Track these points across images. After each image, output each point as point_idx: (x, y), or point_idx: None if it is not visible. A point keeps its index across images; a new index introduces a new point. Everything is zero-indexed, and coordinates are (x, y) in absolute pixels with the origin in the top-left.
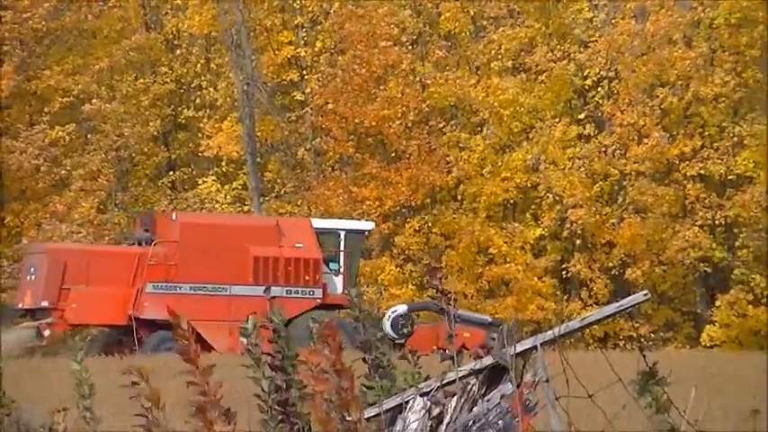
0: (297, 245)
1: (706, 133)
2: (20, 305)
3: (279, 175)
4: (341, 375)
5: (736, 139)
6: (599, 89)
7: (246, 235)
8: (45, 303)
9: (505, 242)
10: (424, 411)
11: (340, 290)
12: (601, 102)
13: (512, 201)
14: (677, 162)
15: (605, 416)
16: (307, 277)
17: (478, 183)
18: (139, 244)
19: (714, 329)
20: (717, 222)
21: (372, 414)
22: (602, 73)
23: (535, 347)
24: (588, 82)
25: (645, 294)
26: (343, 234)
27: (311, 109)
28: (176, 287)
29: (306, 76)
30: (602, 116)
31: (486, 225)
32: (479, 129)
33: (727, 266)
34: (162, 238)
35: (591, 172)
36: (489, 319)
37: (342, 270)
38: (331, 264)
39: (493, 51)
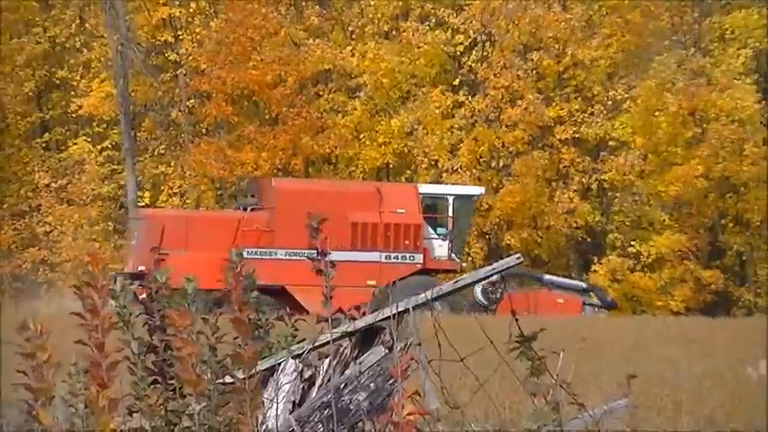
0: (398, 210)
1: (582, 97)
2: (125, 270)
3: (152, 136)
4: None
5: (611, 103)
6: (473, 53)
7: (345, 201)
8: (142, 268)
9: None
10: (296, 374)
11: (445, 255)
12: (474, 66)
13: (388, 164)
14: (552, 125)
15: (477, 379)
16: (407, 242)
17: (355, 147)
18: (244, 209)
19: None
20: (591, 187)
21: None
22: (476, 36)
23: (407, 310)
24: (460, 48)
25: (518, 258)
26: (451, 199)
27: (186, 70)
28: (272, 253)
29: (180, 37)
30: (476, 80)
31: None
32: (355, 93)
33: (601, 231)
34: (263, 203)
35: (470, 138)
36: (584, 285)
37: (449, 235)
38: (438, 229)
39: (369, 16)
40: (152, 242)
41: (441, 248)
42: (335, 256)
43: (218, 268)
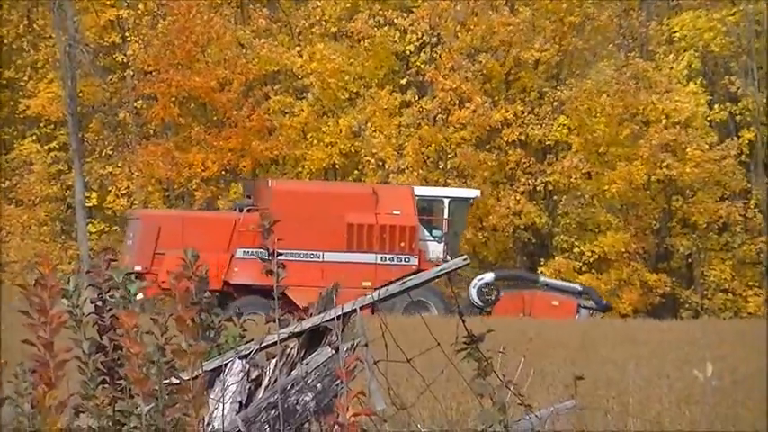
0: (394, 212)
1: (527, 99)
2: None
3: (100, 137)
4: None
5: (556, 104)
6: (421, 54)
7: (341, 202)
8: (138, 267)
9: None
10: (242, 374)
11: (441, 257)
12: (423, 67)
13: (335, 165)
14: (499, 127)
15: (424, 380)
16: (402, 244)
17: (302, 148)
18: (240, 210)
19: None
20: (537, 189)
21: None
22: (424, 38)
23: (355, 311)
24: (411, 47)
25: (464, 259)
26: (447, 201)
27: (133, 72)
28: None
29: (128, 39)
30: (425, 81)
31: None
32: (302, 95)
33: (548, 233)
34: (259, 204)
35: (415, 138)
36: (579, 288)
37: (444, 237)
38: (433, 231)
39: (317, 17)
40: (148, 242)
41: (436, 250)
42: (331, 257)
43: (215, 268)
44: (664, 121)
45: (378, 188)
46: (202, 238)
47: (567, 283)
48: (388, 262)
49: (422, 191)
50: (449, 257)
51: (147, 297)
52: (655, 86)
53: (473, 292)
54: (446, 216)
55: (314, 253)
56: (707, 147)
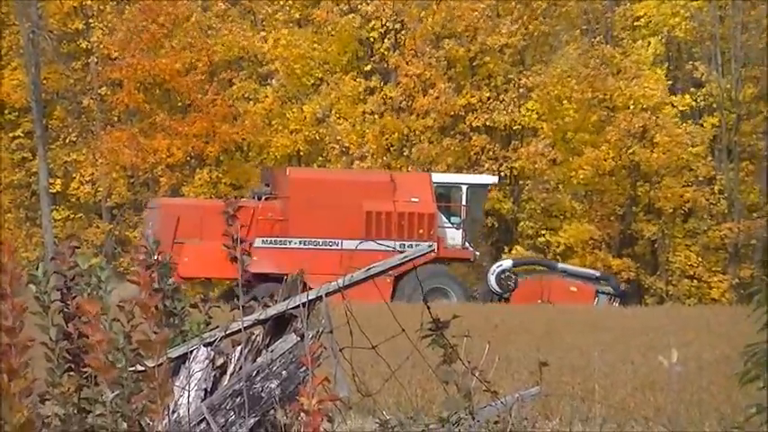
0: (412, 199)
1: (492, 84)
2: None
3: (64, 124)
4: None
5: (522, 90)
6: (385, 41)
7: (359, 190)
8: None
9: None
10: (207, 361)
11: (459, 244)
12: (387, 53)
13: (299, 152)
14: (463, 113)
15: (389, 367)
16: (420, 231)
17: (266, 134)
18: (258, 198)
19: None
20: (502, 174)
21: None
22: (388, 24)
23: (320, 298)
24: (374, 34)
25: (429, 246)
26: (465, 188)
27: (97, 58)
28: (286, 241)
29: (92, 25)
30: (388, 68)
31: None
32: (266, 80)
33: (513, 219)
34: (277, 192)
35: (379, 124)
36: (597, 274)
37: (462, 224)
38: (452, 218)
39: (281, 2)
40: (167, 231)
41: (454, 237)
42: (349, 244)
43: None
44: (632, 107)
45: (396, 175)
46: (221, 227)
47: (584, 270)
48: (406, 249)
49: (440, 177)
50: (467, 244)
51: None
52: (623, 72)
53: (491, 278)
54: (464, 203)
55: (332, 241)
56: (678, 132)
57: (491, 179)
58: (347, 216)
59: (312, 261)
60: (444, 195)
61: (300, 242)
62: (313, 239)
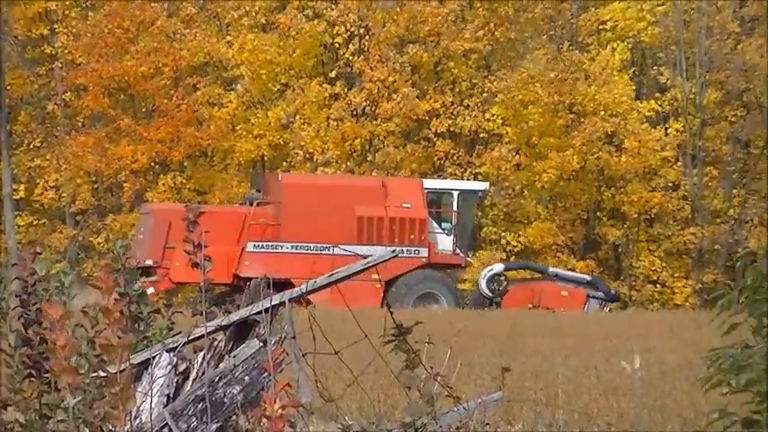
0: (404, 205)
1: (457, 89)
2: None
3: (28, 129)
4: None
5: (486, 95)
6: (350, 46)
7: (351, 195)
8: (149, 262)
9: None
10: (170, 367)
11: (450, 249)
12: (351, 58)
13: (263, 157)
14: (427, 119)
15: (351, 372)
16: (412, 236)
17: (231, 139)
18: (250, 204)
19: (464, 286)
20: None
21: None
22: (352, 29)
23: (283, 303)
24: (339, 39)
25: (392, 252)
26: (456, 194)
27: (62, 63)
28: (277, 246)
29: (56, 30)
30: (353, 73)
31: (240, 181)
32: (231, 86)
33: (477, 224)
34: (269, 198)
35: (343, 130)
36: (588, 278)
37: (453, 230)
38: (443, 223)
39: (246, 8)
40: (159, 236)
41: (445, 243)
42: (340, 250)
43: (224, 261)
44: (602, 113)
45: (387, 181)
46: (213, 232)
47: (575, 274)
48: (398, 254)
49: (431, 183)
50: (458, 250)
51: (159, 291)
52: (592, 78)
53: (482, 283)
54: (455, 208)
55: (323, 246)
56: (648, 137)
57: (482, 185)
58: (339, 221)
59: (304, 265)
60: (435, 201)
61: (292, 247)
62: (305, 244)
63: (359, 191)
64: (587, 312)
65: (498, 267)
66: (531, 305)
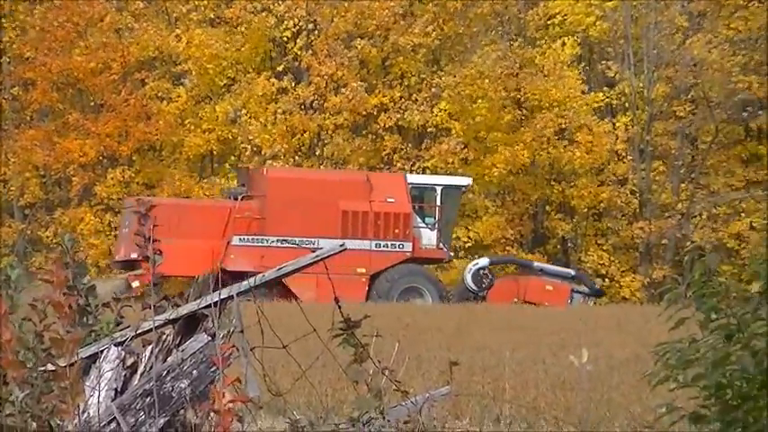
0: (388, 199)
1: (405, 84)
2: (116, 258)
3: None
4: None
5: (434, 90)
6: (297, 40)
7: (335, 189)
8: (134, 255)
9: (206, 194)
10: (118, 361)
11: (433, 244)
12: (299, 53)
13: (212, 151)
14: (375, 113)
15: (299, 366)
16: (396, 231)
17: (180, 133)
18: (234, 198)
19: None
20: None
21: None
22: (300, 24)
23: (231, 297)
24: (287, 33)
25: (341, 245)
26: (439, 189)
27: (9, 58)
28: (262, 240)
29: (4, 25)
30: (301, 67)
31: (188, 176)
32: (180, 80)
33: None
34: (253, 192)
35: (290, 125)
36: (573, 273)
37: (437, 224)
38: (426, 218)
39: (194, 2)
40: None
41: (429, 237)
42: (326, 243)
43: (208, 255)
44: (557, 108)
45: (372, 176)
46: (198, 226)
47: (560, 268)
48: (382, 248)
49: (414, 178)
50: (442, 244)
51: (143, 284)
52: (543, 73)
53: (468, 276)
54: (438, 203)
55: (308, 240)
56: (599, 129)
57: (466, 180)
58: (324, 215)
59: (289, 259)
60: (419, 196)
61: (277, 240)
62: (290, 238)
63: (343, 185)
64: (572, 306)
65: (484, 261)
66: (515, 299)
